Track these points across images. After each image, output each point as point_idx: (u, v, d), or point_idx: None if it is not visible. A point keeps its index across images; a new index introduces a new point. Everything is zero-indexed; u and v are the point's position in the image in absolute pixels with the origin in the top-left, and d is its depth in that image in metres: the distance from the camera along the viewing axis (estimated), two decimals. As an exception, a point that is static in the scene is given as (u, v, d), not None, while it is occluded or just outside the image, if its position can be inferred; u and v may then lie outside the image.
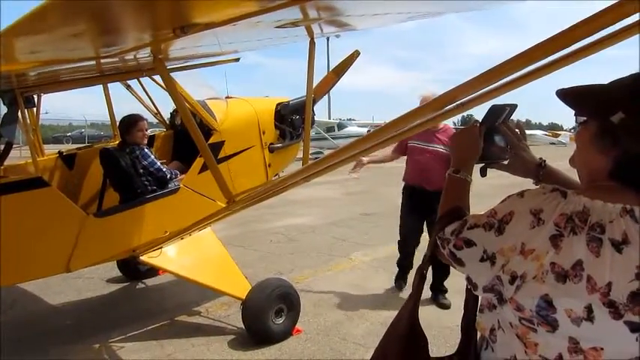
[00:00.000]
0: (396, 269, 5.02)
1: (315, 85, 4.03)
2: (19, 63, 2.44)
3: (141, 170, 3.92)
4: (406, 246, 4.79)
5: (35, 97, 4.26)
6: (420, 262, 1.33)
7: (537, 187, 1.09)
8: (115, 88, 4.67)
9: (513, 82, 1.23)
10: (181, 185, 3.94)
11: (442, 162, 4.31)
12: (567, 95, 1.07)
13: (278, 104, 4.72)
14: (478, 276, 1.08)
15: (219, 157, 3.99)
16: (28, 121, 4.05)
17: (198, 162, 4.00)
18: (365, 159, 4.61)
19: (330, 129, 27.54)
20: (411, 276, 2.08)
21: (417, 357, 1.29)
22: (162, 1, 1.44)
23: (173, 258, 4.05)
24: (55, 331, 4.12)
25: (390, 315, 4.24)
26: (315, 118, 4.79)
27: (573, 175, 1.23)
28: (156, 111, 5.02)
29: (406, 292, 4.81)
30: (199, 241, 4.25)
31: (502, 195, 1.13)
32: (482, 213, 1.11)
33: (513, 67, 1.12)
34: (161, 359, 3.59)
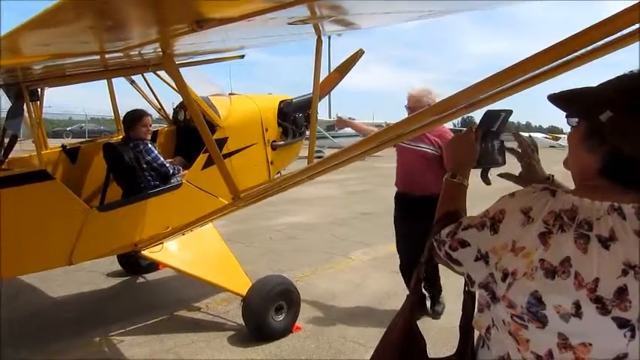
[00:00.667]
0: (395, 268, 4.99)
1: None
2: (31, 55, 2.45)
3: (144, 165, 3.94)
4: (405, 257, 4.38)
5: (39, 90, 4.26)
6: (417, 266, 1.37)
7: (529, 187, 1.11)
8: (116, 83, 4.70)
9: (519, 84, 1.25)
10: (184, 181, 3.96)
11: (429, 163, 3.98)
12: (558, 99, 1.10)
13: (281, 102, 4.73)
14: (474, 274, 1.10)
15: (222, 153, 4.00)
16: (33, 114, 4.05)
17: (202, 158, 4.01)
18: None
19: (330, 128, 27.52)
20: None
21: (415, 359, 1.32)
22: None
23: (174, 253, 4.07)
24: (55, 324, 4.14)
25: (389, 314, 4.25)
26: (317, 117, 4.80)
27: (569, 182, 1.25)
28: (159, 106, 5.02)
29: (404, 291, 4.82)
30: (201, 237, 4.26)
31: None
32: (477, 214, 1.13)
33: (521, 70, 1.15)
34: (161, 354, 3.60)
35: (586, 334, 0.93)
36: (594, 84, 1.07)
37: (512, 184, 1.54)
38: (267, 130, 4.57)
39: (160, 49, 2.47)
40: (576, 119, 1.08)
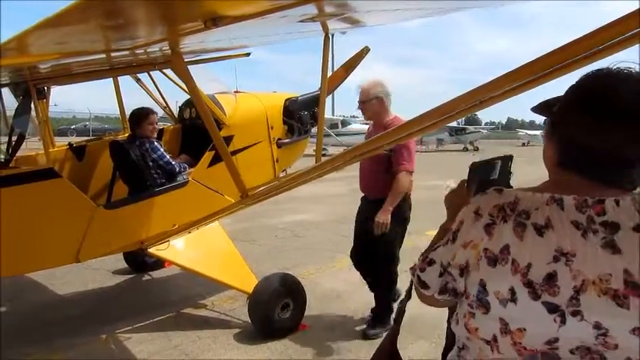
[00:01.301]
0: (401, 266, 4.98)
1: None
2: (45, 54, 2.45)
3: (150, 163, 3.95)
4: (354, 255, 4.10)
5: (45, 89, 4.28)
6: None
7: None
8: (120, 80, 4.69)
9: (524, 85, 1.26)
10: (190, 179, 3.96)
11: (378, 167, 3.71)
12: (536, 108, 1.17)
13: (286, 100, 4.74)
14: (437, 287, 1.15)
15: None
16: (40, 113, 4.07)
17: (207, 156, 4.02)
18: None
19: (333, 126, 27.56)
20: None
21: None
22: None
23: (181, 251, 4.08)
24: (61, 321, 4.15)
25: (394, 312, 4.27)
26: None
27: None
28: (165, 104, 5.03)
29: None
30: (207, 235, 4.26)
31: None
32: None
33: (528, 73, 1.19)
34: (167, 351, 3.62)
35: (521, 319, 0.97)
36: None
37: None
38: (272, 127, 4.57)
39: (167, 48, 2.47)
40: (544, 118, 1.14)
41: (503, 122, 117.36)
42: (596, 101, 0.98)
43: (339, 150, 4.81)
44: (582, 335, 0.93)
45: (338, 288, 4.96)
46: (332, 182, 12.30)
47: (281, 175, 4.86)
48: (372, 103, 3.80)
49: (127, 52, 2.55)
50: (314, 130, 4.92)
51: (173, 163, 4.04)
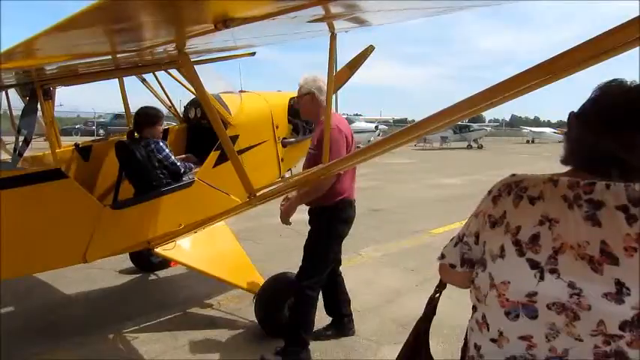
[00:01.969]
0: (406, 265, 4.98)
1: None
2: (60, 56, 2.45)
3: (156, 163, 3.95)
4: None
5: (51, 89, 4.29)
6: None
7: None
8: (125, 81, 4.69)
9: (530, 86, 1.27)
10: (196, 179, 3.97)
11: (309, 166, 3.37)
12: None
13: (291, 99, 4.73)
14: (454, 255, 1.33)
15: (233, 150, 4.01)
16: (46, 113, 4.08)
17: (213, 156, 4.02)
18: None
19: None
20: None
21: None
22: None
23: (187, 250, 4.08)
24: (67, 320, 4.17)
25: (401, 310, 4.27)
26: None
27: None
28: (170, 104, 5.04)
29: (416, 287, 4.83)
30: (213, 235, 4.27)
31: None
32: None
33: (535, 76, 1.23)
34: (174, 350, 3.63)
35: (507, 274, 1.13)
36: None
37: None
38: (277, 127, 4.58)
39: (173, 49, 2.47)
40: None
41: (507, 119, 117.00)
42: (595, 112, 1.12)
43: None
44: (557, 292, 1.05)
45: (344, 287, 4.95)
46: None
47: (286, 174, 4.86)
48: (305, 99, 3.44)
49: (133, 53, 2.55)
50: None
51: (178, 163, 4.04)
